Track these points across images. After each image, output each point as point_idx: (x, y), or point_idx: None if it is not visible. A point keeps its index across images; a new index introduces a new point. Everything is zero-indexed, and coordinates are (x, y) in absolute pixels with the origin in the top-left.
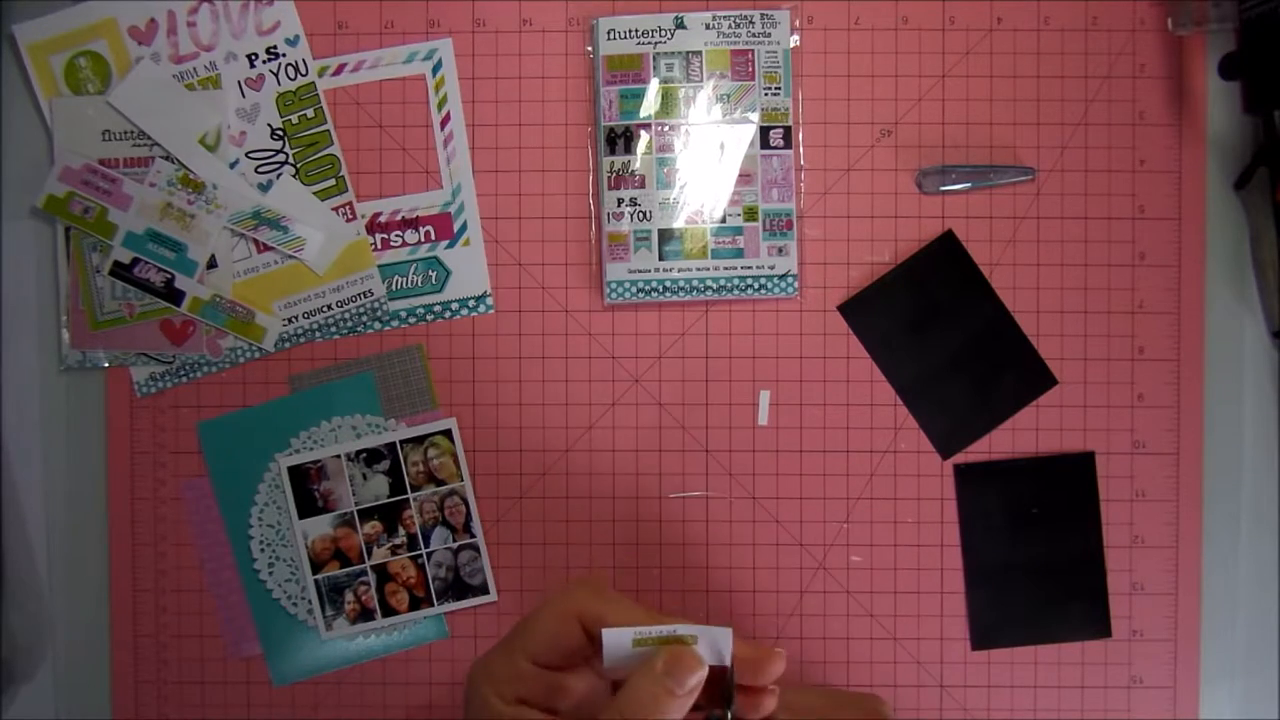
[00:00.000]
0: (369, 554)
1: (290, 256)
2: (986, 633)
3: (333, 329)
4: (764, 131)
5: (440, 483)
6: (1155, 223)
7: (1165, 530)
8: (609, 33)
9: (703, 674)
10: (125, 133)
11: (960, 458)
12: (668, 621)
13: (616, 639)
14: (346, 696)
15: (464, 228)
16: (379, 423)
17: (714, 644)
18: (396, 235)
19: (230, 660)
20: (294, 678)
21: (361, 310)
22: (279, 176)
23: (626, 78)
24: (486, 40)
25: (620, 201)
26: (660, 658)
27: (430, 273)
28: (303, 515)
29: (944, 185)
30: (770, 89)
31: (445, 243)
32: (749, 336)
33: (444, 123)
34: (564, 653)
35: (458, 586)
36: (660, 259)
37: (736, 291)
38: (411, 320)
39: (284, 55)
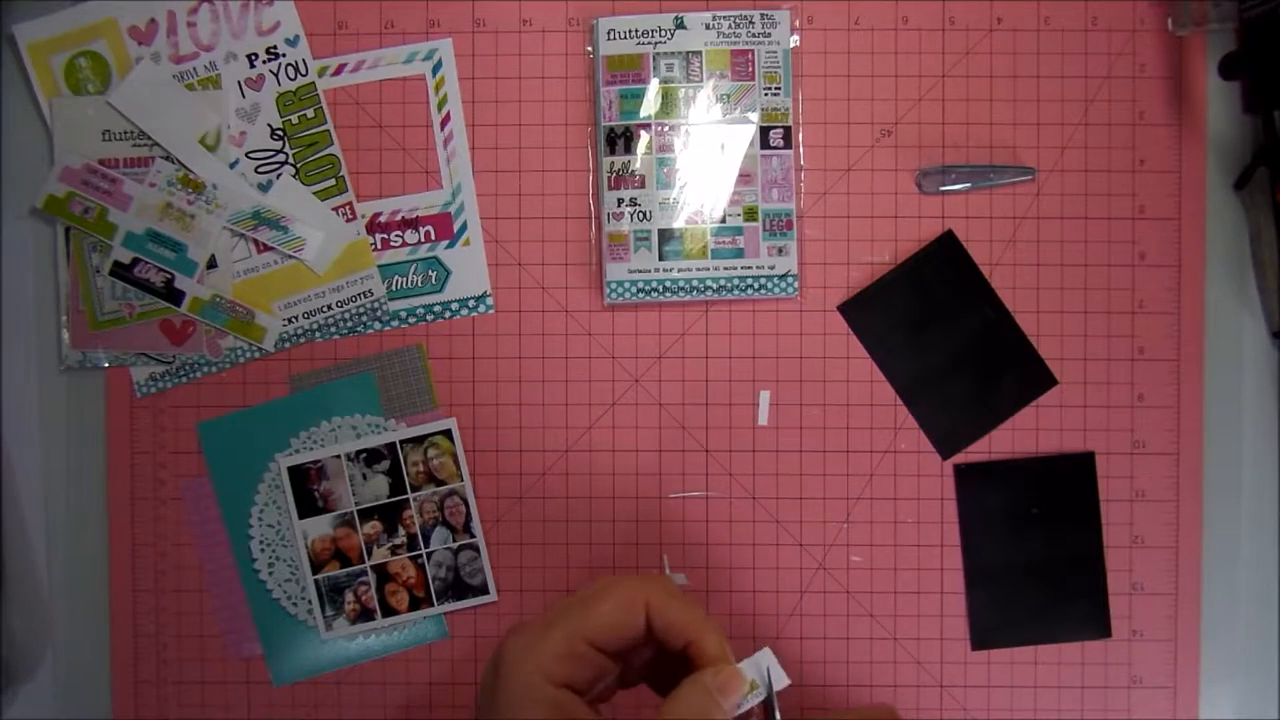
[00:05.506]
0: (369, 554)
1: (290, 256)
2: (986, 633)
3: (333, 329)
4: (764, 131)
5: (440, 483)
6: (1155, 223)
7: (1165, 530)
8: (609, 33)
9: (739, 698)
10: (125, 133)
11: (960, 458)
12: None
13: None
14: (346, 696)
15: (464, 228)
16: (379, 423)
17: (759, 671)
18: (396, 235)
19: (230, 660)
20: (294, 678)
21: (361, 310)
22: (279, 176)
23: (626, 78)
24: (486, 40)
25: (620, 201)
26: (709, 671)
27: (430, 273)
28: (303, 515)
29: (944, 185)
30: (770, 89)
31: (445, 243)
32: (749, 336)
33: (444, 123)
34: (624, 641)
35: (458, 586)
36: (660, 259)
37: (736, 291)
38: (411, 320)
39: (284, 55)
